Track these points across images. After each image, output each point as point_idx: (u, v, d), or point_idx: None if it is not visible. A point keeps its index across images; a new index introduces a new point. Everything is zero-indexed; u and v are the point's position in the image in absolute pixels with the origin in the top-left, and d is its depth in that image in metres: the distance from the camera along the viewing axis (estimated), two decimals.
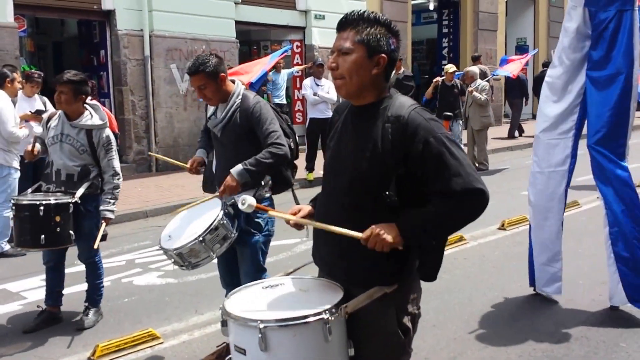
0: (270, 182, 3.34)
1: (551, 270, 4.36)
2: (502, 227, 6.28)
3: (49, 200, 3.79)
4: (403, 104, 1.98)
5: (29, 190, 4.07)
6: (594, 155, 4.08)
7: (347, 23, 1.98)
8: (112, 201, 3.99)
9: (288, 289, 2.11)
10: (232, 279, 3.45)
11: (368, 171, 1.96)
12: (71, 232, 3.84)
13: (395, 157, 1.92)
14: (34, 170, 6.21)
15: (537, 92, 12.58)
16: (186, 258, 3.09)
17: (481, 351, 3.63)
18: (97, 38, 9.93)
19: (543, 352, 3.59)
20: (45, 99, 6.59)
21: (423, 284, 2.14)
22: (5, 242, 5.79)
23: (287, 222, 2.17)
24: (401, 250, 1.96)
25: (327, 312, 1.88)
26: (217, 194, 3.22)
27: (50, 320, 4.13)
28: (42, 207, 3.72)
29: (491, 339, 3.79)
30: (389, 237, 1.89)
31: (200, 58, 3.21)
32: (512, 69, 11.29)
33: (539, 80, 12.82)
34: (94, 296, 4.17)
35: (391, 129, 1.94)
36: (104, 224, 3.89)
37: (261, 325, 1.84)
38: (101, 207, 3.97)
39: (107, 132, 4.04)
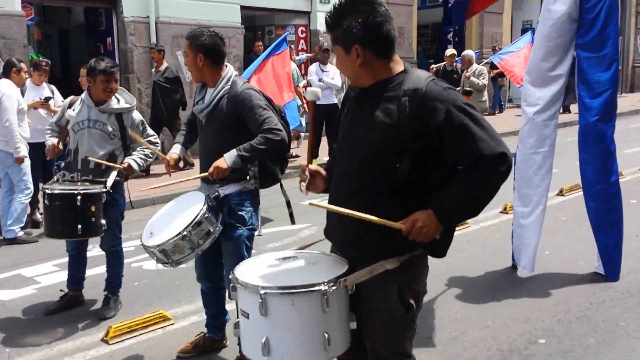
0: (256, 174, 3.21)
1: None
2: (504, 211, 6.34)
3: (87, 189, 3.74)
4: (420, 76, 1.99)
5: (54, 179, 4.00)
6: (596, 130, 4.25)
7: (327, 27, 2.08)
8: (142, 156, 3.92)
9: (297, 262, 2.23)
10: (209, 273, 3.38)
11: (382, 146, 1.98)
12: (103, 221, 3.81)
13: (412, 130, 1.93)
14: (43, 155, 6.32)
15: None
16: (170, 255, 2.96)
17: (482, 330, 3.72)
18: (104, 25, 9.96)
19: (543, 331, 3.68)
20: (53, 87, 6.68)
21: None
22: (19, 228, 5.92)
23: (301, 173, 2.21)
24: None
25: (325, 283, 1.98)
26: (204, 174, 3.09)
27: (72, 304, 4.23)
28: (79, 197, 3.65)
29: (492, 318, 3.88)
30: (431, 231, 1.95)
31: (199, 30, 3.12)
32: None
33: None
34: (113, 284, 4.19)
35: (408, 102, 1.94)
36: (123, 166, 3.81)
37: (262, 292, 1.97)
38: (128, 158, 3.90)
39: (137, 113, 4.05)
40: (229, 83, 3.11)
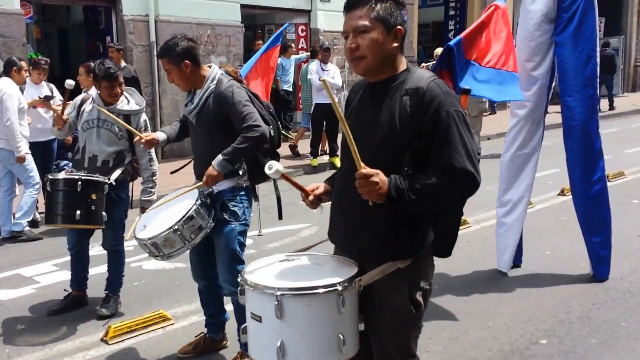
0: (245, 170, 3.21)
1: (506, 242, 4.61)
2: None
3: (89, 176, 3.77)
4: (422, 75, 1.99)
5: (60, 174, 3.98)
6: (578, 128, 4.32)
7: (356, 1, 1.98)
8: (152, 190, 4.02)
9: (304, 263, 2.20)
10: (204, 271, 3.39)
11: (383, 145, 1.97)
12: (104, 213, 3.81)
13: (414, 130, 1.93)
14: (42, 154, 6.34)
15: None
16: (161, 248, 3.01)
17: (483, 331, 3.70)
18: (103, 24, 9.93)
19: (545, 331, 3.66)
20: (53, 85, 6.66)
21: None
22: (26, 222, 5.95)
23: (304, 199, 2.21)
24: (415, 226, 2.02)
25: (340, 284, 1.96)
26: (199, 183, 3.11)
27: (75, 304, 4.21)
28: (80, 182, 3.68)
29: (493, 318, 3.86)
30: (377, 190, 1.89)
31: (170, 41, 3.13)
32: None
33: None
34: (114, 284, 4.17)
35: (410, 101, 1.94)
36: (142, 215, 3.79)
37: (278, 293, 1.92)
38: (142, 197, 3.99)
39: (144, 116, 4.09)
40: (214, 82, 3.15)
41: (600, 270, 4.45)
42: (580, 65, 4.24)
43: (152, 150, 4.05)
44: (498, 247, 4.72)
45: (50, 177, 3.81)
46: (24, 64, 6.07)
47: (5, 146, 5.76)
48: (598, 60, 4.32)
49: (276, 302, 1.92)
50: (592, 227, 4.43)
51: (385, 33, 1.95)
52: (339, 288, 1.95)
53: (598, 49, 4.35)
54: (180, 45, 3.10)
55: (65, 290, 4.32)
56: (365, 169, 1.90)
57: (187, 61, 3.11)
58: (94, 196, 3.74)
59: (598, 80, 4.36)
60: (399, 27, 1.97)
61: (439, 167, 1.94)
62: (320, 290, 1.94)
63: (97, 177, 3.81)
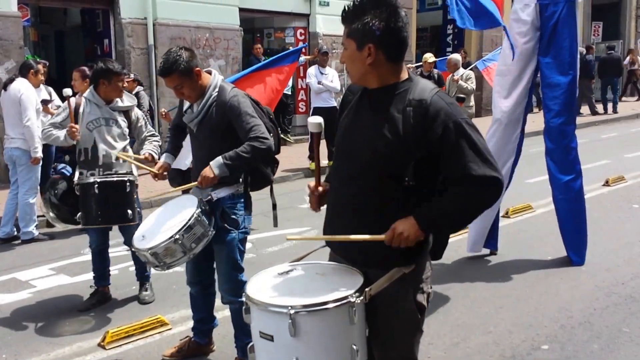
0: (244, 178, 3.17)
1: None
2: (506, 215, 6.26)
3: (131, 177, 3.91)
4: (425, 87, 2.00)
5: (76, 177, 3.99)
6: (557, 128, 4.66)
7: (343, 19, 2.05)
8: (155, 148, 4.09)
9: (305, 274, 2.13)
10: (199, 277, 3.36)
11: (387, 154, 1.97)
12: (139, 209, 3.94)
13: (416, 141, 1.94)
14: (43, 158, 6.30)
15: (601, 74, 15.69)
16: (161, 258, 2.95)
17: (485, 336, 3.67)
18: (101, 27, 9.92)
19: (546, 336, 3.64)
20: (51, 89, 6.63)
21: None
22: (34, 227, 5.93)
23: (310, 195, 2.22)
24: None
25: (353, 295, 1.93)
26: (194, 184, 3.08)
27: (102, 300, 4.34)
28: (128, 183, 3.77)
29: (495, 324, 3.83)
30: (411, 235, 1.94)
31: (171, 56, 3.01)
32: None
33: (604, 62, 15.66)
34: (145, 274, 4.38)
35: (413, 112, 1.94)
36: (145, 156, 3.88)
37: (292, 312, 1.87)
38: (148, 148, 4.04)
39: (137, 109, 4.32)
40: (217, 90, 3.11)
41: (577, 257, 4.83)
42: (561, 72, 4.53)
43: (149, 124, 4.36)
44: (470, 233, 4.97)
45: (97, 179, 3.77)
46: (41, 67, 6.13)
47: (22, 146, 5.77)
48: (577, 69, 4.62)
49: (290, 321, 1.87)
50: (570, 216, 4.78)
51: (356, 51, 2.00)
52: (352, 300, 1.92)
53: (578, 58, 4.65)
54: (184, 56, 3.01)
55: (91, 286, 4.39)
56: (386, 236, 1.96)
57: (197, 68, 3.05)
58: (134, 194, 3.91)
59: (578, 86, 4.67)
60: (370, 44, 1.96)
61: (458, 180, 1.95)
62: (333, 305, 1.91)
63: (131, 176, 3.95)
